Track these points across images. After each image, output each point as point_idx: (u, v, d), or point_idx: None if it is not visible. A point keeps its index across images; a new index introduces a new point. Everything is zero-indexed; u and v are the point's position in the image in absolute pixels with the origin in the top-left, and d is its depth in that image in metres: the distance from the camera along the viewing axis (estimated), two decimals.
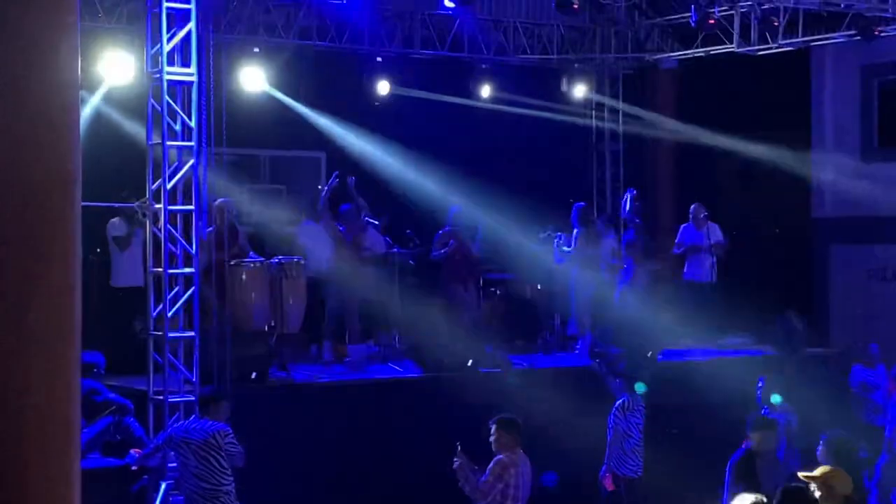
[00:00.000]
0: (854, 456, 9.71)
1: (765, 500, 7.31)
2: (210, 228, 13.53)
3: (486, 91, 18.35)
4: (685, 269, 16.82)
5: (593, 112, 19.89)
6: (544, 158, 19.10)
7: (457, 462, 9.66)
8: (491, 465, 9.51)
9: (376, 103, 17.55)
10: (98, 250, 14.62)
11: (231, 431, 10.23)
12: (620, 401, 12.31)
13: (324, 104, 17.10)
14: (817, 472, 8.06)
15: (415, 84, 17.64)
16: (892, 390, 14.28)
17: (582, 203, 16.37)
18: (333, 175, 15.21)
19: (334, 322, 14.98)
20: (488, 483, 9.51)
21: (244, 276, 13.95)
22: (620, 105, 19.62)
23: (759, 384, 12.50)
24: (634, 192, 17.18)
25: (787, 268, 20.37)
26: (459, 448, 9.71)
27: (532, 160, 18.97)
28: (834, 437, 9.74)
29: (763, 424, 10.69)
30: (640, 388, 8.51)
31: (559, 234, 16.27)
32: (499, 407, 13.27)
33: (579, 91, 19.28)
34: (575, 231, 16.02)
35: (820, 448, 9.55)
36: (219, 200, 13.83)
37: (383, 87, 17.50)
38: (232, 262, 14.02)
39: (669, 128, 19.67)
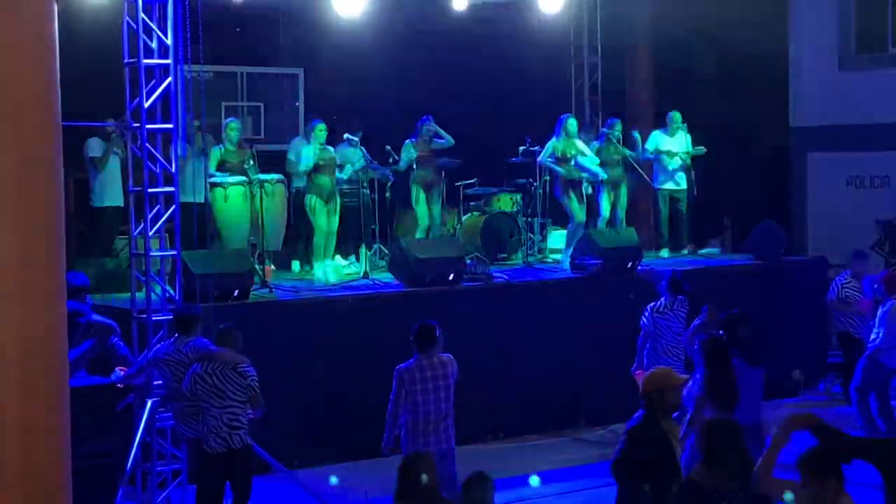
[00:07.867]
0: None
1: None
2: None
3: (461, 3, 18.19)
4: (655, 177, 16.74)
5: (571, 24, 19.77)
6: (521, 71, 19.01)
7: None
8: None
9: (353, 17, 17.40)
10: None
11: None
12: (655, 303, 12.55)
13: (300, 19, 16.96)
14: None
15: None
16: (872, 301, 14.42)
17: None
18: None
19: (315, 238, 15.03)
20: (393, 399, 9.95)
21: (225, 194, 14.04)
22: (598, 14, 19.49)
23: None
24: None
25: (765, 176, 20.42)
26: None
27: (509, 73, 18.86)
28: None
29: None
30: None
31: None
32: (481, 319, 13.51)
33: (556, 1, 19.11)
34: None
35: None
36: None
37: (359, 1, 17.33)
38: (212, 180, 14.08)
39: (646, 36, 19.59)
